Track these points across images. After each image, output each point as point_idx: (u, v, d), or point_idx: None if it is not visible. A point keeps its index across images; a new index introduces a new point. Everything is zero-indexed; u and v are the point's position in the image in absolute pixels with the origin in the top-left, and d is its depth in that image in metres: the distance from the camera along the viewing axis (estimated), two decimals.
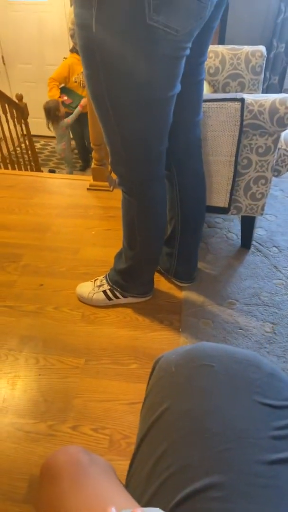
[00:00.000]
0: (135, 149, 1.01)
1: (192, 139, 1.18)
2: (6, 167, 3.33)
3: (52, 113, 3.59)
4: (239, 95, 1.25)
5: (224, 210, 1.49)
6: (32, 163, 3.74)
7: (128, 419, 1.10)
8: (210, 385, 0.46)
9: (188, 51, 0.86)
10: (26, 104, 3.56)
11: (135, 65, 0.83)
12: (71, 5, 0.96)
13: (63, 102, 3.64)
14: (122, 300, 1.42)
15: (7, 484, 0.97)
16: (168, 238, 1.38)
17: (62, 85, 3.66)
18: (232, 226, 1.82)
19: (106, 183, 2.11)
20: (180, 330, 1.35)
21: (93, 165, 2.10)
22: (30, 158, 3.70)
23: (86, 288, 1.44)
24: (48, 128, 3.76)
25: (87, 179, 2.19)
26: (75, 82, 3.63)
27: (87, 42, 0.85)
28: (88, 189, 2.13)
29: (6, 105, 3.26)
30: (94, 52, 0.85)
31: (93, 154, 2.05)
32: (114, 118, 0.95)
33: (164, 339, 1.32)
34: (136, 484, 0.43)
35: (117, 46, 0.81)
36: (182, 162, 1.21)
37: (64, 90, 3.67)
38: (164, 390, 0.49)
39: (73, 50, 3.57)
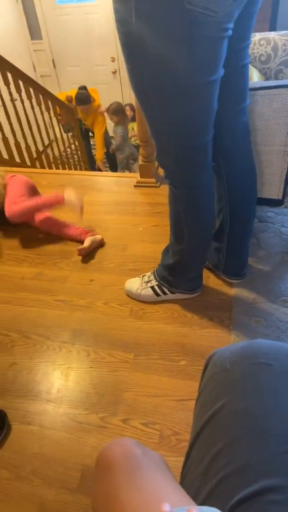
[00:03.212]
0: (180, 139, 1.00)
1: (239, 126, 1.14)
2: (57, 167, 3.45)
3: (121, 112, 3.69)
4: None
5: (277, 202, 1.42)
6: (82, 163, 3.85)
7: (178, 415, 1.09)
8: (268, 383, 0.44)
9: (230, 32, 0.84)
10: (76, 105, 3.67)
11: (177, 51, 0.82)
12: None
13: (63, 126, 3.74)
14: (170, 296, 1.41)
15: (61, 473, 1.00)
16: (217, 232, 1.35)
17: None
18: (286, 220, 1.74)
19: (153, 180, 2.11)
20: (231, 328, 1.31)
21: (140, 162, 2.11)
22: (79, 159, 3.80)
23: (134, 284, 1.45)
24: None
25: (134, 176, 2.21)
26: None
27: (128, 36, 0.86)
28: (135, 186, 2.14)
29: (57, 107, 3.38)
30: (135, 45, 0.85)
31: (140, 150, 2.06)
32: (158, 108, 0.94)
33: (213, 337, 1.29)
34: (191, 480, 0.42)
35: (157, 34, 0.81)
36: (229, 152, 1.16)
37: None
38: (219, 387, 0.47)
39: (77, 103, 3.70)
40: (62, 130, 3.76)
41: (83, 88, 3.68)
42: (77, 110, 3.76)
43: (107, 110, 3.76)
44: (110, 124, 4.15)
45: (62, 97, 3.77)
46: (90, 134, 4.18)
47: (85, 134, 4.07)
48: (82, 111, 3.73)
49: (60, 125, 3.64)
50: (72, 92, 3.78)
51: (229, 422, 0.43)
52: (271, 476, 0.36)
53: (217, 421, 0.44)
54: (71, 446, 1.06)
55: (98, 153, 3.89)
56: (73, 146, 3.99)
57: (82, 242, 1.73)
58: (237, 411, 0.43)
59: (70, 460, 1.03)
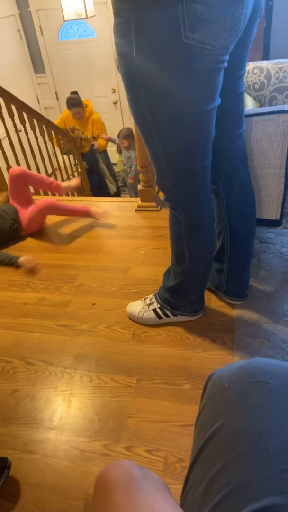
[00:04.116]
0: (180, 164, 1.03)
1: (236, 151, 1.18)
2: (60, 194, 3.51)
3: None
4: (286, 107, 1.23)
5: (276, 223, 1.44)
6: (85, 189, 3.92)
7: (182, 441, 1.07)
8: (266, 402, 0.43)
9: (225, 64, 0.88)
10: (78, 135, 3.78)
11: (175, 82, 0.87)
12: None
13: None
14: (173, 318, 1.40)
15: (64, 503, 0.97)
16: (218, 253, 1.36)
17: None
18: (286, 241, 1.75)
19: (154, 203, 2.15)
20: (234, 349, 1.30)
21: (140, 187, 2.15)
22: (83, 186, 3.88)
23: (136, 307, 1.45)
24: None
25: (135, 201, 2.25)
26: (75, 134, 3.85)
27: (128, 68, 0.90)
28: (136, 210, 2.18)
29: (60, 137, 3.48)
30: (135, 76, 0.90)
31: (140, 176, 2.11)
32: (157, 136, 0.98)
33: (217, 359, 1.28)
34: (191, 501, 0.41)
35: (157, 66, 0.86)
36: (228, 175, 1.20)
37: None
38: (218, 407, 0.47)
39: (68, 108, 3.84)
40: (61, 153, 3.84)
41: (74, 92, 3.79)
42: (79, 141, 3.85)
43: (118, 135, 3.84)
44: (111, 152, 4.26)
45: (60, 122, 3.88)
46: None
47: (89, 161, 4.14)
48: (75, 115, 3.79)
49: (60, 148, 3.73)
50: (67, 114, 3.89)
51: (228, 442, 0.42)
52: (271, 495, 0.36)
53: (216, 441, 0.43)
54: (73, 475, 1.03)
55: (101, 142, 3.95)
56: (75, 173, 4.08)
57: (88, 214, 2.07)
58: (235, 430, 0.42)
59: (72, 490, 1.00)
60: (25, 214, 2.05)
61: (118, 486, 0.38)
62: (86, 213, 2.11)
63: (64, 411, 1.19)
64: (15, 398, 1.25)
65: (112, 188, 4.30)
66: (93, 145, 3.92)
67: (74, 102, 3.74)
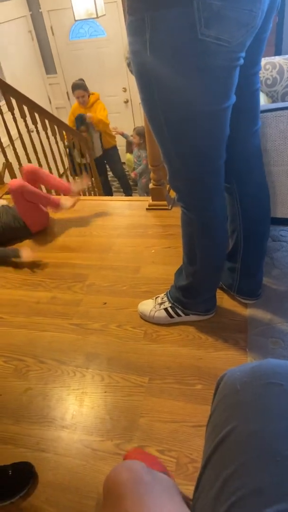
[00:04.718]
0: (193, 164, 1.02)
1: (251, 149, 1.16)
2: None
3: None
4: None
5: None
6: (96, 189, 3.93)
7: (195, 442, 1.06)
8: (279, 404, 0.42)
9: (242, 61, 0.86)
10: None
11: (190, 80, 0.85)
12: (127, 35, 1.02)
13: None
14: (184, 317, 1.39)
15: (76, 502, 0.98)
16: (230, 252, 1.35)
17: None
18: None
19: (165, 202, 2.14)
20: (247, 349, 1.28)
21: (151, 185, 2.14)
22: (93, 184, 3.89)
23: (148, 306, 1.44)
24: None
25: (146, 200, 2.24)
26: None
27: (142, 67, 0.89)
28: (147, 209, 2.17)
29: (71, 137, 3.49)
30: (149, 75, 0.88)
31: (151, 174, 2.10)
32: (171, 135, 0.97)
33: (229, 359, 1.27)
34: (202, 505, 0.41)
35: (171, 64, 0.84)
36: (243, 174, 1.18)
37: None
38: (230, 409, 0.46)
39: (73, 90, 3.82)
40: (64, 147, 3.83)
41: (81, 79, 3.79)
42: (91, 140, 3.84)
43: (134, 130, 3.83)
44: (121, 152, 4.25)
45: (70, 116, 3.89)
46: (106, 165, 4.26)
47: (100, 164, 4.14)
48: (79, 99, 3.78)
49: (63, 142, 3.72)
50: (75, 106, 3.90)
51: (240, 445, 0.41)
52: (285, 500, 0.35)
53: (227, 444, 0.43)
54: (85, 474, 1.03)
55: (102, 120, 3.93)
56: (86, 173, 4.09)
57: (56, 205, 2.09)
58: (247, 433, 0.42)
59: (84, 489, 1.00)
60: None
61: (128, 490, 0.38)
62: (66, 190, 2.14)
63: (76, 410, 1.20)
64: (28, 396, 1.26)
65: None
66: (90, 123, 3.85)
67: (77, 84, 3.73)
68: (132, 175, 4.01)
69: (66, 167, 3.55)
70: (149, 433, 1.10)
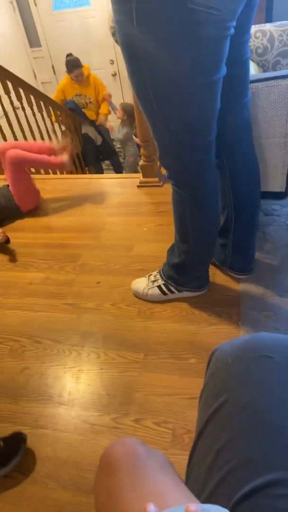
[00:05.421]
0: (184, 140, 0.99)
1: (241, 122, 1.13)
2: (61, 172, 3.47)
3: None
4: None
5: (281, 195, 1.41)
6: (84, 166, 3.87)
7: (190, 413, 1.09)
8: (270, 377, 0.43)
9: (232, 30, 0.83)
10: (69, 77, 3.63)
11: (179, 51, 0.82)
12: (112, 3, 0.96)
13: None
14: (177, 294, 1.40)
15: (76, 475, 1.01)
16: (222, 228, 1.34)
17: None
18: None
19: (156, 179, 2.11)
20: (240, 323, 1.30)
21: (141, 162, 2.11)
22: (82, 163, 3.82)
23: (141, 284, 1.45)
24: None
25: (137, 177, 2.21)
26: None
27: (128, 37, 0.85)
28: (138, 186, 2.14)
29: (58, 112, 3.40)
30: (136, 46, 0.85)
31: (142, 151, 2.06)
32: (160, 110, 0.94)
33: (222, 333, 1.28)
34: (196, 477, 0.42)
35: (159, 35, 0.80)
36: (232, 147, 1.16)
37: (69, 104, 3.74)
38: (221, 382, 0.47)
39: (68, 71, 3.68)
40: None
41: (70, 54, 3.65)
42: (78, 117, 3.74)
43: (120, 104, 3.73)
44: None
45: (59, 93, 3.76)
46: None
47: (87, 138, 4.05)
48: (77, 77, 3.67)
49: (50, 119, 3.62)
50: (66, 82, 3.75)
51: (231, 417, 0.42)
52: (275, 470, 0.36)
53: (219, 417, 0.43)
54: (84, 448, 1.06)
55: (103, 109, 3.85)
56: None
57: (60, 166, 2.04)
58: (239, 406, 0.42)
59: (84, 462, 1.03)
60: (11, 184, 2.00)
61: (123, 464, 0.38)
62: (48, 150, 2.04)
63: (73, 387, 1.22)
64: (25, 375, 1.27)
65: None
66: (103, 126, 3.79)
67: (75, 63, 3.60)
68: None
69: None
70: (145, 407, 1.12)
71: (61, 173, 3.47)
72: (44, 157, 2.01)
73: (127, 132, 3.75)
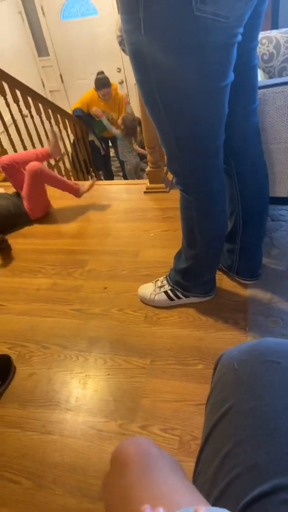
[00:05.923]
0: (192, 146, 1.00)
1: (249, 128, 1.13)
2: (69, 179, 3.51)
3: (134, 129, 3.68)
4: None
5: None
6: (93, 173, 3.90)
7: (197, 420, 1.08)
8: (276, 382, 0.43)
9: (240, 37, 0.83)
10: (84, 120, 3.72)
11: (187, 59, 0.82)
12: (119, 13, 0.98)
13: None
14: (184, 300, 1.40)
15: (83, 482, 1.00)
16: (230, 233, 1.34)
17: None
18: None
19: (162, 185, 2.12)
20: (247, 329, 1.29)
21: (148, 168, 2.12)
22: (89, 169, 3.85)
23: (148, 290, 1.45)
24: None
25: (143, 183, 2.22)
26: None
27: (136, 46, 0.86)
28: (145, 192, 2.15)
29: (67, 121, 3.44)
30: (144, 55, 0.86)
31: (148, 157, 2.08)
32: (168, 117, 0.94)
33: (229, 339, 1.28)
34: (202, 483, 0.42)
35: (167, 43, 0.81)
36: (241, 153, 1.16)
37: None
38: (228, 387, 0.47)
39: (96, 89, 3.69)
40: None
41: (101, 72, 3.67)
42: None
43: (123, 115, 3.75)
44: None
45: (82, 105, 3.80)
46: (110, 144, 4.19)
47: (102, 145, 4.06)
48: (105, 96, 3.68)
49: (58, 127, 3.65)
50: (91, 96, 3.79)
51: (238, 422, 0.42)
52: (281, 475, 0.36)
53: (225, 422, 0.43)
54: (91, 454, 1.06)
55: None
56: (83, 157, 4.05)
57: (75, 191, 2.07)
58: (245, 411, 0.42)
59: (90, 469, 1.03)
60: (24, 193, 2.04)
61: (135, 463, 0.38)
62: (73, 190, 2.08)
63: (80, 392, 1.22)
64: (32, 381, 1.28)
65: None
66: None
67: (105, 82, 3.62)
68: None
69: (62, 152, 3.51)
70: (152, 413, 1.12)
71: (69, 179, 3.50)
72: (65, 180, 2.10)
73: (124, 141, 3.77)
